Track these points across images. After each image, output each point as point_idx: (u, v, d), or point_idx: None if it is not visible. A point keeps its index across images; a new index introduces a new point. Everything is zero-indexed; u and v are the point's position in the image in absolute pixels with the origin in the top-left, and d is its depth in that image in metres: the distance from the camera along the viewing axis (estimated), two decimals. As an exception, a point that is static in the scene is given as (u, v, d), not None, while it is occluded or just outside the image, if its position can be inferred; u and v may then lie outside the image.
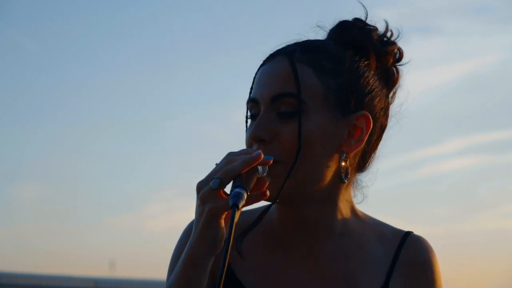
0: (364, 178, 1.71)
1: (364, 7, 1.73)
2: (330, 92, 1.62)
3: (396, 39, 1.74)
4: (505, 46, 12.04)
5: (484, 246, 11.36)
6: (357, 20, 1.73)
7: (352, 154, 1.65)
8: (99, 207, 13.46)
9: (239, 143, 1.67)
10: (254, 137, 1.59)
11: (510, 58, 12.00)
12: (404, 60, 1.74)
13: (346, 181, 1.63)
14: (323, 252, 1.63)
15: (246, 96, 1.71)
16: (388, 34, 1.73)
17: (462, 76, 12.17)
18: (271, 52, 1.67)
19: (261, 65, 1.66)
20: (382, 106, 1.69)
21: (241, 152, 1.49)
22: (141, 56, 12.50)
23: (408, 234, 1.67)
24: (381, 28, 1.74)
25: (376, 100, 1.67)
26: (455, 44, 12.03)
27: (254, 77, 1.66)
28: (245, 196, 1.43)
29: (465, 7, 12.00)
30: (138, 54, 12.43)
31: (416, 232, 1.68)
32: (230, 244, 1.38)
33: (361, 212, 1.70)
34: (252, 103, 1.63)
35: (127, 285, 9.37)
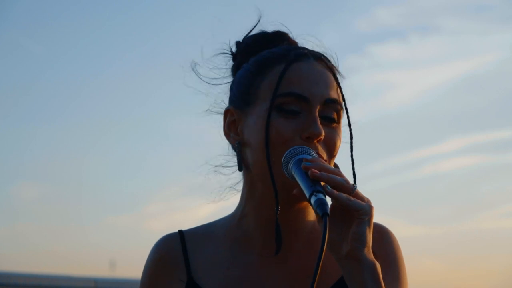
0: None
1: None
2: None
3: None
4: (504, 45, 12.04)
5: (484, 245, 11.36)
6: (284, 34, 1.80)
7: None
8: (99, 207, 13.46)
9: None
10: (317, 135, 1.61)
11: (510, 57, 12.01)
12: None
13: None
14: (291, 251, 1.67)
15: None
16: None
17: (462, 75, 12.18)
18: (292, 51, 1.69)
19: (291, 61, 1.67)
20: None
21: (338, 172, 1.54)
22: (141, 56, 12.51)
23: None
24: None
25: None
26: (454, 43, 12.03)
27: (283, 71, 1.65)
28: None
29: (465, 7, 12.01)
30: (139, 55, 12.44)
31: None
32: (324, 250, 1.43)
33: None
34: (296, 98, 1.64)
35: (127, 285, 9.37)
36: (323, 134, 1.62)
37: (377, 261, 1.59)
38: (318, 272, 1.42)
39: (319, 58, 1.68)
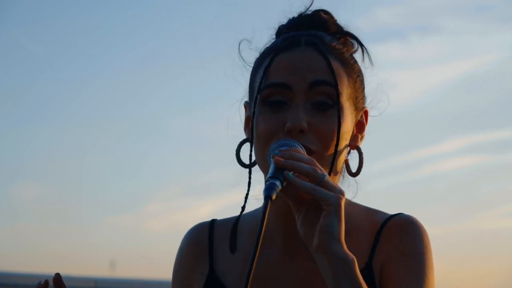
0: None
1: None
2: (352, 87, 1.63)
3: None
4: (504, 45, 12.04)
5: (484, 245, 11.36)
6: (326, 13, 1.72)
7: None
8: (99, 207, 13.46)
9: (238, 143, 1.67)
10: (297, 127, 1.54)
11: (510, 57, 12.01)
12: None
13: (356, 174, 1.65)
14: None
15: (245, 97, 1.71)
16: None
17: (462, 75, 12.18)
18: (286, 40, 1.64)
19: (278, 52, 1.62)
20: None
21: (308, 161, 1.47)
22: (142, 57, 12.50)
23: (398, 214, 1.64)
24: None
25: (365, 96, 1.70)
26: (454, 43, 12.03)
27: (269, 63, 1.61)
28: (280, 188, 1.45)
29: (465, 7, 12.01)
30: (140, 56, 12.44)
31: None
32: (261, 237, 1.39)
33: (350, 201, 1.69)
34: (278, 88, 1.58)
35: (127, 285, 9.37)
36: (303, 125, 1.54)
37: (395, 254, 1.56)
38: (254, 262, 1.37)
39: (312, 44, 1.61)
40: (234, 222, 1.60)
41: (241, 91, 1.73)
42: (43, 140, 13.05)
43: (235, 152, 1.67)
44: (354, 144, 1.64)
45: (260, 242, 1.39)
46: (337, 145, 1.57)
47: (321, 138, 1.56)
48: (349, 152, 1.65)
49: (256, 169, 1.65)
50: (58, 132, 12.92)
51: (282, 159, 1.46)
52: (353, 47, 1.70)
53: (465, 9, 12.08)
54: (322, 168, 1.47)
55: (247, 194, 1.62)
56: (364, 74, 1.69)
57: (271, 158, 1.49)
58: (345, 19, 1.73)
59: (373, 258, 1.59)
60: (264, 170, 1.59)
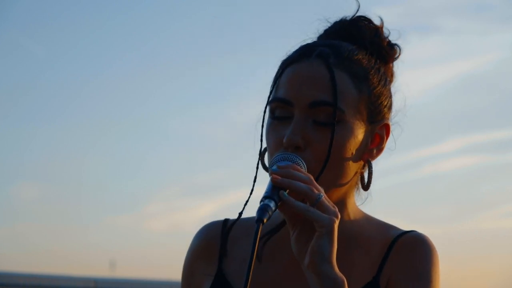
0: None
1: (358, 1, 1.72)
2: (364, 101, 1.61)
3: (394, 38, 1.73)
4: (504, 45, 12.04)
5: (484, 245, 11.36)
6: (365, 19, 1.71)
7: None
8: (99, 207, 13.46)
9: (239, 143, 1.67)
10: (290, 143, 1.54)
11: (510, 57, 12.01)
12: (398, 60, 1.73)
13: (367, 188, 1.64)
14: None
15: (246, 97, 1.71)
16: (386, 33, 1.72)
17: (462, 75, 12.18)
18: (300, 51, 1.63)
19: (290, 63, 1.61)
20: (390, 115, 1.69)
21: (305, 179, 1.47)
22: (142, 57, 12.50)
23: (411, 231, 1.64)
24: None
25: (390, 110, 1.67)
26: (454, 43, 12.03)
27: (280, 74, 1.61)
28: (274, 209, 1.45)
29: (464, 6, 12.01)
30: (139, 55, 12.43)
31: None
32: (254, 256, 1.40)
33: (364, 213, 1.69)
34: (282, 103, 1.59)
35: (127, 285, 9.37)
36: (297, 141, 1.54)
37: (402, 272, 1.56)
38: (249, 278, 1.39)
39: (321, 56, 1.60)
40: (228, 227, 1.59)
41: (241, 91, 1.73)
42: (43, 140, 13.05)
43: (258, 157, 1.65)
44: (366, 158, 1.63)
45: (253, 264, 1.40)
46: (326, 160, 1.55)
47: (315, 155, 1.56)
48: (364, 166, 1.63)
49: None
50: (58, 132, 12.92)
51: (279, 177, 1.46)
52: (395, 54, 1.69)
53: (465, 9, 12.08)
54: (319, 188, 1.47)
55: (247, 200, 1.62)
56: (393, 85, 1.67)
57: (269, 174, 1.49)
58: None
59: (381, 273, 1.59)
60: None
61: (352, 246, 1.63)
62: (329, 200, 1.47)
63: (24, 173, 13.29)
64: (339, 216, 1.45)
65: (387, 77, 1.68)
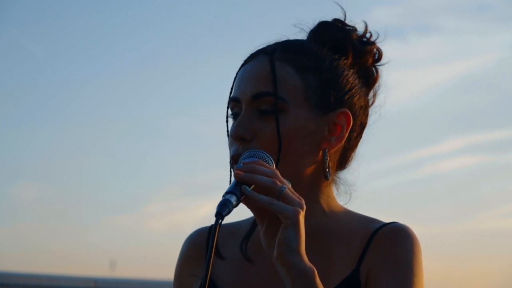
0: (346, 175, 1.73)
1: (343, 8, 1.75)
2: (311, 90, 1.64)
3: (375, 40, 1.75)
4: (504, 45, 12.05)
5: (484, 245, 11.36)
6: (336, 21, 1.75)
7: (332, 151, 1.66)
8: (99, 207, 13.46)
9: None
10: (235, 136, 1.60)
11: (510, 57, 12.01)
12: (383, 60, 1.76)
13: (329, 178, 1.65)
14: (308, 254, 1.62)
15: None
16: (367, 35, 1.75)
17: (462, 75, 12.18)
18: (252, 52, 1.69)
19: (242, 65, 1.68)
20: (362, 104, 1.71)
21: (269, 173, 1.48)
22: (142, 57, 12.51)
23: (392, 222, 1.65)
24: (360, 29, 1.75)
25: (356, 98, 1.69)
26: (454, 43, 12.03)
27: (235, 77, 1.68)
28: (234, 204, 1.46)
29: (464, 6, 12.01)
30: (139, 55, 12.44)
31: (416, 232, 1.67)
32: (212, 254, 1.42)
33: (344, 208, 1.70)
34: (233, 102, 1.65)
35: (127, 285, 9.37)
36: (240, 132, 1.59)
37: (382, 262, 1.57)
38: (208, 274, 1.41)
39: (265, 53, 1.66)
40: (212, 232, 1.60)
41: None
42: (43, 140, 13.06)
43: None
44: (324, 147, 1.64)
45: (212, 260, 1.42)
46: (279, 148, 1.59)
47: (262, 144, 1.59)
48: (325, 155, 1.64)
49: None
50: (58, 132, 12.92)
51: (241, 173, 1.47)
52: (368, 51, 1.71)
53: (465, 9, 12.08)
54: (283, 180, 1.48)
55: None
56: (348, 76, 1.68)
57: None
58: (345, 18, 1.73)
59: (361, 264, 1.60)
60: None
61: (332, 240, 1.64)
62: (294, 192, 1.48)
63: (24, 173, 13.30)
64: (304, 207, 1.47)
65: (350, 68, 1.70)
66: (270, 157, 1.55)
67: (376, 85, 1.75)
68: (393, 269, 1.58)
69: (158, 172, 13.22)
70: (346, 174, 1.73)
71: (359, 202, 1.71)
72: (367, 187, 1.71)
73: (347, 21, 1.75)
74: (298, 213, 1.45)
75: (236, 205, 1.45)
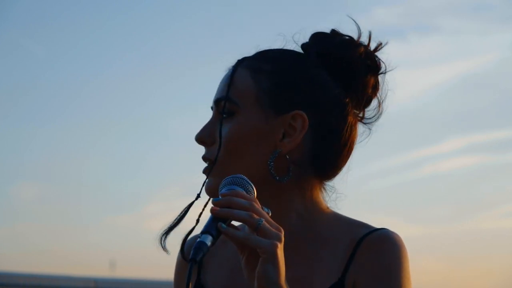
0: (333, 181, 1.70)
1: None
2: (263, 92, 1.63)
3: (376, 48, 1.72)
4: (504, 45, 12.06)
5: (484, 245, 11.37)
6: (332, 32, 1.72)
7: (295, 154, 1.63)
8: (99, 207, 13.47)
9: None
10: (197, 140, 1.66)
11: (510, 57, 12.01)
12: (382, 67, 1.72)
13: (284, 180, 1.62)
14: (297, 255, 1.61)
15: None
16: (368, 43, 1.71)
17: (462, 75, 12.18)
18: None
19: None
20: (331, 107, 1.66)
21: (246, 205, 1.47)
22: (142, 57, 12.51)
23: (380, 228, 1.62)
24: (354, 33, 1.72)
25: (322, 100, 1.66)
26: (454, 43, 12.04)
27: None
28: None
29: (464, 6, 12.02)
30: (139, 55, 12.44)
31: (416, 232, 1.67)
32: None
33: (331, 211, 1.68)
34: (212, 109, 1.70)
35: (127, 285, 9.37)
36: (198, 137, 1.66)
37: (368, 272, 1.55)
38: None
39: (237, 61, 1.69)
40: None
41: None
42: (43, 140, 13.06)
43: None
44: (275, 149, 1.62)
45: None
46: (219, 149, 1.62)
47: (215, 146, 1.63)
48: (273, 156, 1.62)
49: None
50: (58, 132, 12.93)
51: (218, 209, 1.46)
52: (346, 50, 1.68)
53: (465, 9, 12.09)
54: (260, 211, 1.47)
55: (189, 205, 1.67)
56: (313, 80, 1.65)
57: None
58: (345, 18, 1.73)
59: (346, 273, 1.58)
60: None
61: (314, 245, 1.63)
62: (272, 222, 1.47)
63: (24, 173, 13.31)
64: (282, 239, 1.46)
65: (320, 69, 1.66)
66: (250, 183, 1.53)
67: (368, 93, 1.70)
68: (380, 279, 1.56)
69: (158, 172, 13.23)
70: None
71: (359, 202, 1.70)
72: (367, 187, 1.70)
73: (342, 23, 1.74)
74: (276, 246, 1.44)
75: (212, 245, 1.45)
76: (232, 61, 1.71)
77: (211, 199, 1.52)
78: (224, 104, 1.63)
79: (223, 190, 1.51)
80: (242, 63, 1.68)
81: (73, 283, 8.77)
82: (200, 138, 1.66)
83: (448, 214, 12.31)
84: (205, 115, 1.71)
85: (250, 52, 1.71)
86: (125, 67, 12.53)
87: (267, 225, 1.45)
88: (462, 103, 12.32)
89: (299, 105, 1.64)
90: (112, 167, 13.52)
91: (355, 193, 1.72)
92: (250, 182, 1.53)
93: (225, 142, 1.62)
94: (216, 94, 1.68)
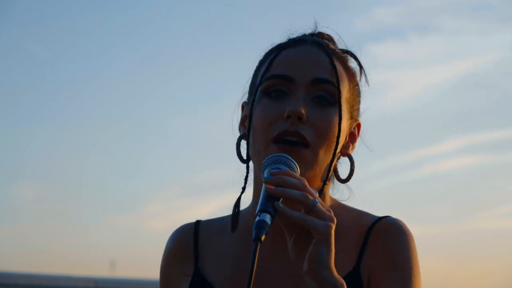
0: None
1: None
2: (351, 94, 1.67)
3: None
4: (504, 45, 12.05)
5: (484, 245, 11.37)
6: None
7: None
8: (99, 207, 13.47)
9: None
10: (294, 113, 1.57)
11: (510, 57, 12.01)
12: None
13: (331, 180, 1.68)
14: None
15: (246, 97, 1.72)
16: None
17: (462, 75, 12.18)
18: (294, 39, 1.69)
19: (285, 47, 1.67)
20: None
21: (299, 185, 1.46)
22: (142, 57, 12.51)
23: (385, 217, 1.66)
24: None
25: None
26: (454, 43, 12.04)
27: (274, 57, 1.65)
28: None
29: (464, 6, 12.01)
30: (139, 55, 12.44)
31: (416, 232, 1.68)
32: (253, 276, 1.40)
33: (338, 202, 1.71)
34: (281, 80, 1.62)
35: (127, 285, 9.38)
36: (303, 112, 1.57)
37: (382, 261, 1.58)
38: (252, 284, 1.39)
39: (318, 44, 1.66)
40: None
41: (241, 92, 1.74)
42: (43, 140, 13.06)
43: (235, 147, 1.69)
44: (345, 152, 1.67)
45: (253, 280, 1.40)
46: (337, 142, 1.60)
47: (317, 132, 1.59)
48: (338, 158, 1.67)
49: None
50: (58, 132, 12.93)
51: (273, 187, 1.45)
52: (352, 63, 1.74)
53: (465, 9, 12.08)
54: (313, 192, 1.47)
55: (243, 190, 1.65)
56: (361, 89, 1.72)
57: (263, 183, 1.48)
58: (345, 18, 1.74)
59: (361, 262, 1.61)
60: (257, 164, 1.61)
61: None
62: (324, 204, 1.47)
63: (24, 173, 13.30)
64: (335, 221, 1.46)
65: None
66: (294, 162, 1.53)
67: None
68: (394, 269, 1.59)
69: (158, 172, 13.22)
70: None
71: (359, 202, 1.71)
72: (367, 187, 1.71)
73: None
74: (330, 228, 1.44)
75: (271, 224, 1.43)
76: (248, 57, 1.71)
77: (264, 177, 1.48)
78: (338, 93, 1.61)
79: (271, 169, 1.50)
80: (334, 55, 1.66)
81: (73, 283, 8.77)
82: (301, 113, 1.58)
83: (448, 214, 12.32)
84: (205, 115, 1.71)
85: (248, 50, 1.71)
86: (125, 67, 12.53)
87: (320, 206, 1.46)
88: (462, 103, 12.32)
89: (358, 114, 1.71)
90: (112, 167, 13.52)
91: (355, 193, 1.73)
92: (293, 160, 1.53)
93: (327, 131, 1.60)
94: (313, 72, 1.62)
